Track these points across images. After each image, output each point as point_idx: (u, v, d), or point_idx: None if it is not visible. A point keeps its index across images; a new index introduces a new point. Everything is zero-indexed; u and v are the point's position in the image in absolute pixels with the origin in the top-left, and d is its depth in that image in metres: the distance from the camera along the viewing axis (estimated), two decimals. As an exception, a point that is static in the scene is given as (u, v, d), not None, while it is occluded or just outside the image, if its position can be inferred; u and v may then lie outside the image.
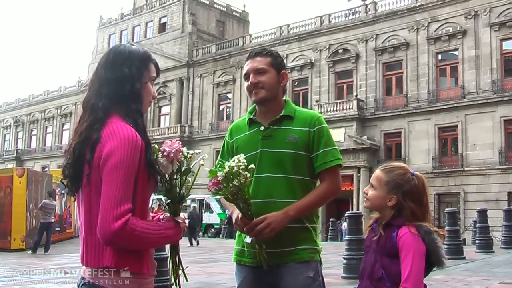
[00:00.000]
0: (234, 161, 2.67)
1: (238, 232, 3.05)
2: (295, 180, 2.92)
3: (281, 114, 3.01)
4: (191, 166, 2.37)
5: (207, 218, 35.79)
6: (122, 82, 2.21)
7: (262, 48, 3.12)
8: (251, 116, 3.09)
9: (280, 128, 2.99)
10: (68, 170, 2.17)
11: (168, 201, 2.32)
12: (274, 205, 2.86)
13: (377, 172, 2.85)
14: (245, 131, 3.09)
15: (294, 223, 2.86)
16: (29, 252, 17.80)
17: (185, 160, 2.34)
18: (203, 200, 35.33)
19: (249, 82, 3.02)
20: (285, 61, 3.14)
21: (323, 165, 2.94)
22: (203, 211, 36.00)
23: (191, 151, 2.36)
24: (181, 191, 2.35)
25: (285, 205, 2.86)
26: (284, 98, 3.13)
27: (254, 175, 2.93)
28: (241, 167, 2.64)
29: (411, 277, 2.52)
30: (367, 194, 2.84)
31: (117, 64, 2.23)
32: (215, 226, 33.39)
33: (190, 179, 2.38)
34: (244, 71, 3.08)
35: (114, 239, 1.99)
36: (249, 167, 2.69)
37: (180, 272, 2.45)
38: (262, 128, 3.01)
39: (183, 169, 2.34)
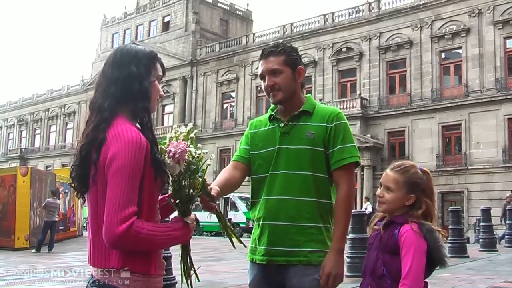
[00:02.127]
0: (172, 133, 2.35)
1: (252, 230, 3.03)
2: (312, 177, 2.85)
3: (300, 110, 2.95)
4: (199, 167, 2.34)
5: (233, 216, 35.59)
6: (130, 80, 2.20)
7: (275, 46, 3.01)
8: (272, 113, 3.05)
9: (298, 124, 2.92)
10: (75, 171, 2.17)
11: (177, 201, 2.31)
12: (287, 203, 2.83)
13: (391, 173, 2.82)
14: (265, 126, 3.05)
15: (307, 222, 2.82)
16: (33, 251, 17.82)
17: (194, 160, 2.30)
18: (228, 198, 35.02)
19: (265, 84, 2.97)
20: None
21: (338, 162, 2.84)
22: (228, 209, 35.78)
23: (199, 151, 2.32)
24: (190, 191, 2.31)
25: (298, 203, 2.82)
26: (305, 95, 3.07)
27: (270, 172, 2.91)
28: (179, 138, 2.31)
29: (410, 274, 2.53)
30: (382, 197, 2.80)
31: (125, 63, 2.22)
32: (241, 225, 33.02)
33: (200, 179, 2.35)
34: (259, 71, 3.02)
35: (119, 243, 2.00)
36: (190, 132, 2.34)
37: (192, 272, 2.43)
38: (281, 124, 2.96)
39: (192, 168, 2.31)
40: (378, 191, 2.85)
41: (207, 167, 2.38)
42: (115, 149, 2.05)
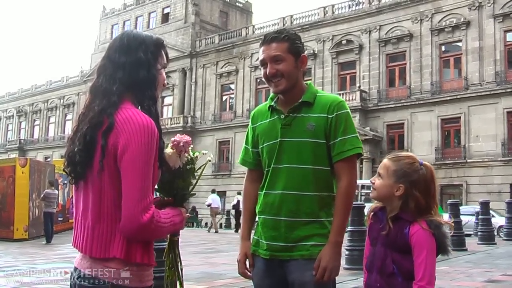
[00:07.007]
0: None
1: (257, 223, 2.97)
2: (312, 171, 2.76)
3: (300, 100, 2.84)
4: (195, 167, 2.35)
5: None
6: (138, 67, 2.14)
7: (279, 32, 2.87)
8: (272, 103, 2.93)
9: (299, 116, 2.82)
10: (78, 155, 2.05)
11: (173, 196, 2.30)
12: (288, 197, 2.77)
13: (385, 161, 2.78)
14: (266, 118, 2.95)
15: (307, 217, 2.76)
16: (44, 242, 17.90)
17: (191, 161, 2.32)
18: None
19: (266, 71, 2.84)
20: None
21: (340, 155, 2.75)
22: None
23: (197, 153, 2.33)
24: (185, 192, 2.32)
25: (298, 198, 2.76)
26: (306, 82, 2.96)
27: (272, 166, 2.84)
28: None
29: (426, 275, 2.51)
30: (374, 183, 2.76)
31: (132, 49, 2.16)
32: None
33: (193, 181, 2.37)
34: (260, 58, 2.88)
35: (141, 233, 1.96)
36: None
37: (178, 273, 2.42)
38: (282, 116, 2.85)
39: (188, 168, 2.31)
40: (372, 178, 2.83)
41: (202, 171, 2.42)
42: (128, 134, 1.98)
